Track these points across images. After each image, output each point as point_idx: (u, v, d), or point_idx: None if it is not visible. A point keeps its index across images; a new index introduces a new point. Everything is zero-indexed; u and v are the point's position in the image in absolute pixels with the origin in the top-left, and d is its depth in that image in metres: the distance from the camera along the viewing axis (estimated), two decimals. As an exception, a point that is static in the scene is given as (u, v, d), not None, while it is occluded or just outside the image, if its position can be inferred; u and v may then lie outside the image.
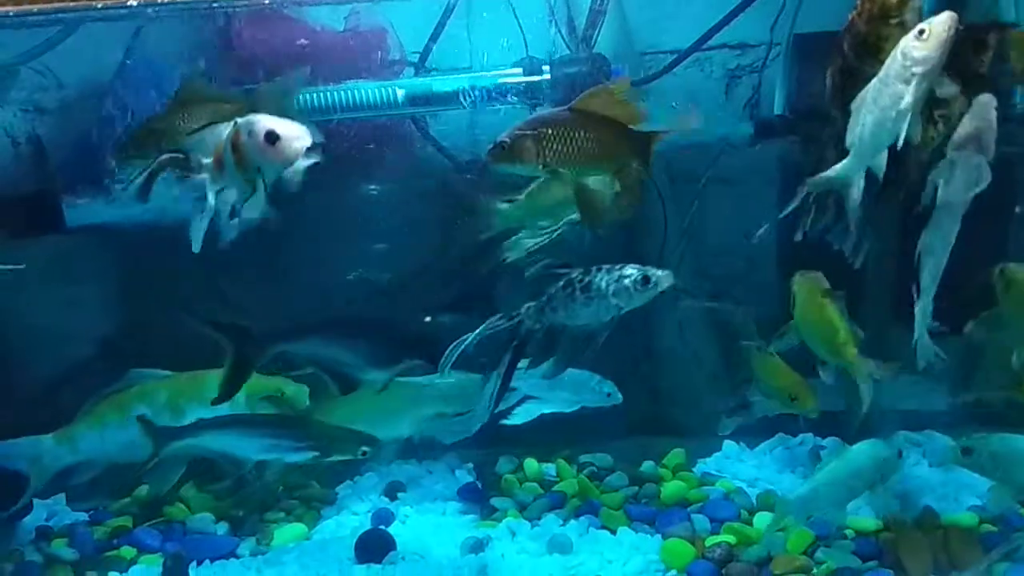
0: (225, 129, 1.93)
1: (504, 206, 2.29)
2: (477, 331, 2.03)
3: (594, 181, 1.99)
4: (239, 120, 1.87)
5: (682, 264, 3.17)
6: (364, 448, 2.36)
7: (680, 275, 2.31)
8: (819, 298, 2.40)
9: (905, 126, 1.83)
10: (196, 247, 2.05)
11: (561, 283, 1.97)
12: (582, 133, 1.90)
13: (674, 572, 2.43)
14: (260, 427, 2.40)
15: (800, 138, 2.66)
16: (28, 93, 3.10)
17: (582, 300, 1.96)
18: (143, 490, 2.99)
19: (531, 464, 3.06)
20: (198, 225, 2.04)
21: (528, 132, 1.91)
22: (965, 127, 2.00)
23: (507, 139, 1.90)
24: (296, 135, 1.81)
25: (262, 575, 2.53)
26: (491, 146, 1.94)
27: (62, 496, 3.00)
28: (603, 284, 1.93)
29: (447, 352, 2.03)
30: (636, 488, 2.90)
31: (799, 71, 2.84)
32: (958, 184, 2.00)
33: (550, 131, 1.86)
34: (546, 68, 2.71)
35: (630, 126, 1.97)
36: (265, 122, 1.82)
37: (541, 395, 2.55)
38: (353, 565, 2.54)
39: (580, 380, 2.51)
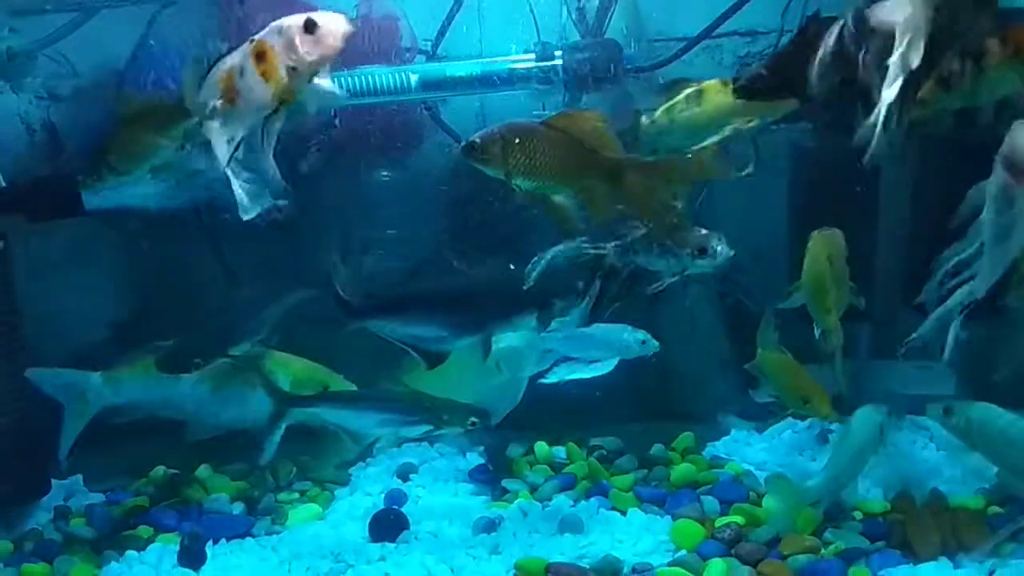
0: (229, 60, 1.82)
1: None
2: (559, 248, 2.12)
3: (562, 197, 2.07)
4: (258, 35, 1.76)
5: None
6: (473, 419, 2.40)
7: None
8: (824, 257, 2.39)
9: None
10: (247, 212, 1.92)
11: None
12: (548, 149, 1.96)
13: (684, 552, 2.46)
14: (376, 401, 2.46)
15: (815, 124, 2.67)
16: (44, 80, 3.14)
17: (658, 251, 2.15)
18: (159, 471, 3.05)
19: (541, 447, 3.10)
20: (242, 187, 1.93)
21: (497, 138, 1.98)
22: None
23: (478, 140, 1.99)
24: (337, 22, 1.69)
25: (278, 553, 2.57)
26: (464, 142, 2.03)
27: (79, 477, 3.05)
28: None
29: (531, 264, 2.12)
30: (646, 471, 2.94)
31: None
32: None
33: (518, 141, 1.93)
34: (558, 54, 2.73)
35: (601, 151, 2.02)
36: (296, 17, 1.71)
37: (575, 353, 2.59)
38: (367, 543, 2.58)
39: (612, 334, 2.53)
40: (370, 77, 2.79)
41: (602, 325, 2.46)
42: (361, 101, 2.87)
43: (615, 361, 2.61)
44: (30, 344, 2.79)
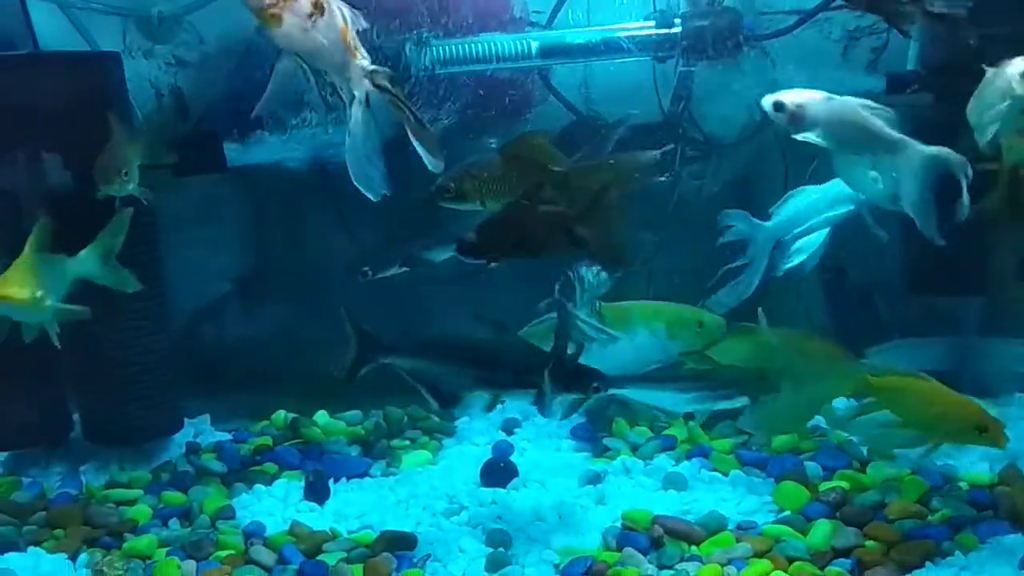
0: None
1: None
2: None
3: None
4: None
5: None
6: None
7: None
8: None
9: None
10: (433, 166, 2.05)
11: None
12: (512, 175, 2.18)
13: (788, 512, 2.51)
14: (680, 381, 2.49)
15: (933, 94, 2.66)
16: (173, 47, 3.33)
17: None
18: (280, 414, 3.24)
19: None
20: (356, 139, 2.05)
21: (467, 176, 2.20)
22: None
23: (452, 183, 2.17)
24: None
25: (395, 493, 2.72)
26: (436, 188, 2.19)
27: (207, 416, 3.27)
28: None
29: None
30: (746, 436, 2.98)
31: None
32: None
33: (486, 174, 2.14)
34: (677, 21, 2.78)
35: (550, 166, 2.20)
36: None
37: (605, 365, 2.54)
38: (479, 488, 2.71)
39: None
40: (491, 44, 2.88)
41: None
42: (470, 68, 2.98)
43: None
44: (169, 292, 3.02)
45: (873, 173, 2.25)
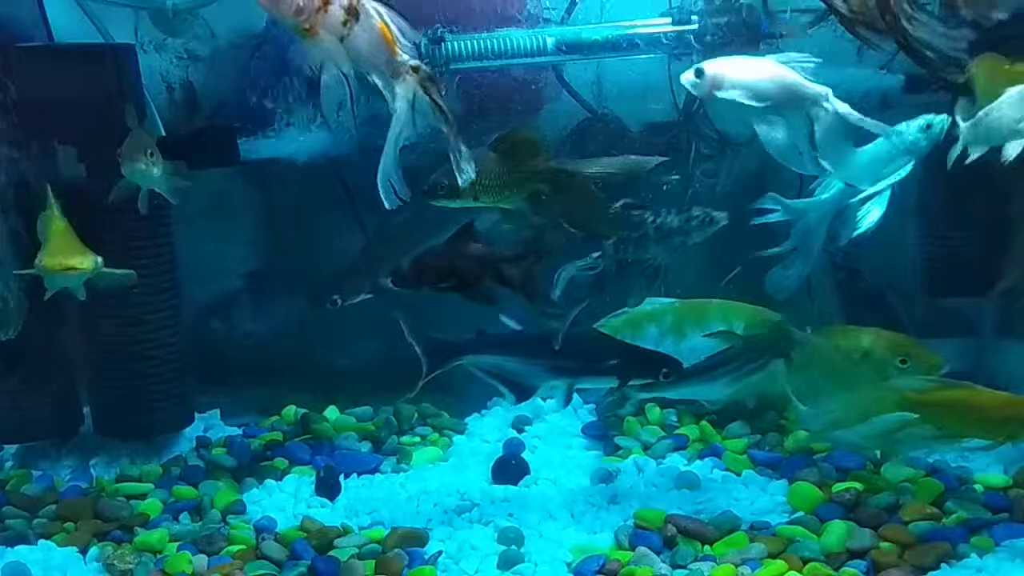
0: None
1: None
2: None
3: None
4: None
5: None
6: None
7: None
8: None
9: None
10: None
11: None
12: (503, 169, 2.21)
13: (801, 513, 2.50)
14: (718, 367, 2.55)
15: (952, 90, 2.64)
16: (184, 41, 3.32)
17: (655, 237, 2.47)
18: (291, 410, 3.24)
19: (652, 410, 3.15)
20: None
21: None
22: None
23: (445, 180, 2.15)
24: None
25: (406, 489, 2.71)
26: (428, 185, 2.18)
27: (216, 411, 3.27)
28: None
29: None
30: (759, 436, 2.98)
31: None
32: None
33: (478, 170, 2.12)
34: (695, 18, 2.76)
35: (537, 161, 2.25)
36: None
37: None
38: (490, 485, 2.70)
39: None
40: (506, 40, 2.87)
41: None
42: (484, 64, 2.97)
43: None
44: (182, 285, 3.01)
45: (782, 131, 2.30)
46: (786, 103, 2.28)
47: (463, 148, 2.03)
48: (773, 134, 2.32)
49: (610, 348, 2.48)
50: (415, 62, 2.00)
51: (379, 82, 1.99)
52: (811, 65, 2.28)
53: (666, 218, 2.51)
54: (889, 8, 2.33)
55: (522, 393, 2.43)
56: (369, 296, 2.73)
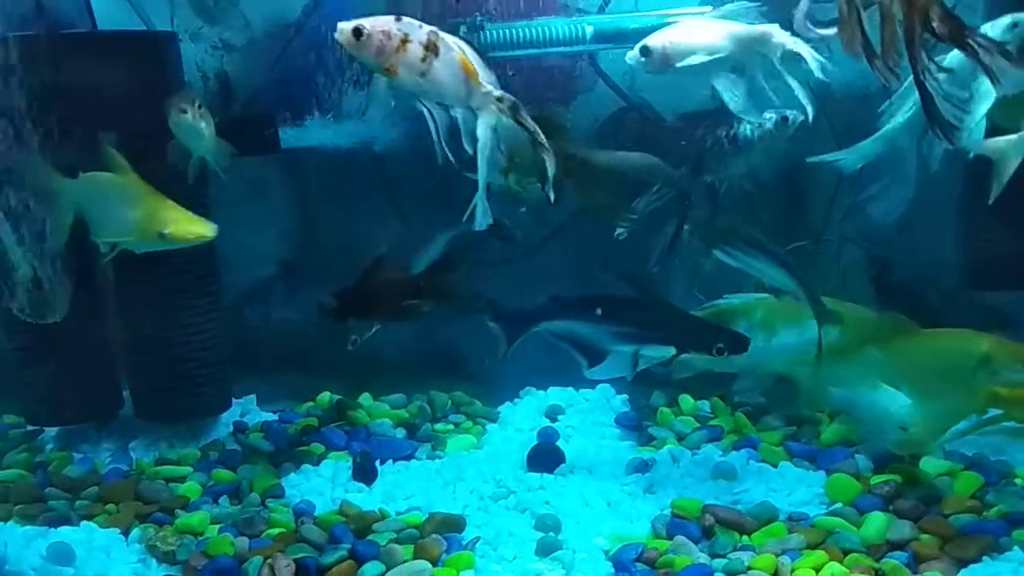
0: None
1: None
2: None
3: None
4: None
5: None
6: None
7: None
8: None
9: None
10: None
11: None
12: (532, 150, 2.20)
13: (840, 505, 2.49)
14: None
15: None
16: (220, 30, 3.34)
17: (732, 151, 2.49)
18: (325, 396, 3.26)
19: (686, 400, 3.15)
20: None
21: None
22: None
23: None
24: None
25: (442, 475, 2.73)
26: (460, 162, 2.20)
27: (253, 396, 3.30)
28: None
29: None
30: (794, 428, 2.96)
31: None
32: None
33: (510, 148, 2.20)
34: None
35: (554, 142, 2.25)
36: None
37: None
38: (525, 473, 2.71)
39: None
40: (545, 28, 2.86)
41: None
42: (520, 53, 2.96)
43: None
44: (220, 271, 3.04)
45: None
46: (742, 52, 2.32)
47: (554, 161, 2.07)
48: (733, 91, 2.34)
49: (678, 318, 2.50)
50: (499, 92, 2.05)
51: (461, 112, 2.04)
52: (745, 8, 2.32)
53: (738, 128, 2.49)
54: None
55: (594, 358, 2.46)
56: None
